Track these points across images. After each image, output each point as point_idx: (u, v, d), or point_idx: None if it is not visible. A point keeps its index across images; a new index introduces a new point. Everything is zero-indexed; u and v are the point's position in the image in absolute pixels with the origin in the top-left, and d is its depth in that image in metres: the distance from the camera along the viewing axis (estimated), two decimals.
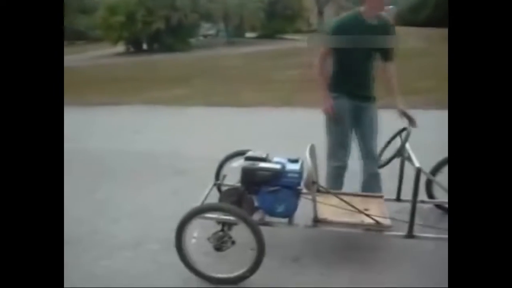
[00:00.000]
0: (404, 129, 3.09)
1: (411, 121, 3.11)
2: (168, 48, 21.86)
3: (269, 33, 28.26)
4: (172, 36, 22.39)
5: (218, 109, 8.28)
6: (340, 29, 3.09)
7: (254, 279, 2.78)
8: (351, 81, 3.23)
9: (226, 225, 2.82)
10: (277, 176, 2.88)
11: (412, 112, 3.16)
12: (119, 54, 22.93)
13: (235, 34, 26.92)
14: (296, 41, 22.40)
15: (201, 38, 25.46)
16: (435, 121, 6.61)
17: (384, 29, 3.11)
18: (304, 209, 2.97)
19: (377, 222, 2.92)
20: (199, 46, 23.26)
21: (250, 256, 2.68)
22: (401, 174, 3.25)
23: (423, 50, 15.34)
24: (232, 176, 3.29)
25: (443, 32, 14.31)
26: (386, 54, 3.22)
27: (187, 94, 9.85)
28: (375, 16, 3.07)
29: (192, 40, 24.01)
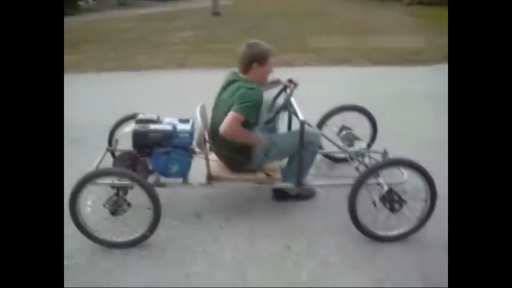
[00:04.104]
0: (286, 87, 3.27)
1: (293, 82, 3.28)
2: None
3: None
4: None
5: (110, 75, 7.98)
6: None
7: (158, 238, 2.87)
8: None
9: (121, 190, 2.83)
10: (169, 137, 2.91)
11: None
12: None
13: None
14: (191, 2, 21.94)
15: (91, 0, 23.89)
16: (326, 76, 7.04)
17: None
18: (200, 168, 3.06)
19: (268, 175, 3.11)
20: (88, 9, 21.85)
21: (148, 216, 2.74)
22: (289, 127, 3.45)
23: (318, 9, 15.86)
24: (126, 141, 3.28)
25: None
26: None
27: (78, 60, 9.32)
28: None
29: (81, 3, 22.49)
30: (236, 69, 3.06)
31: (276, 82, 3.34)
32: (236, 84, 2.93)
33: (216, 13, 15.96)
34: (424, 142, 4.20)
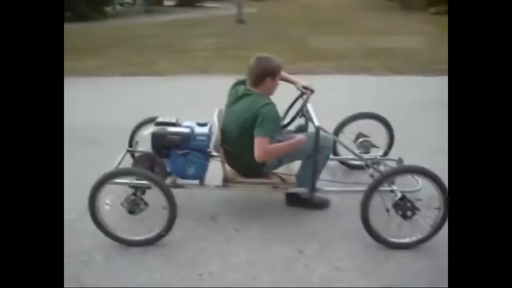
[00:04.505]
0: (303, 93, 3.31)
1: (310, 88, 3.32)
2: (83, 17, 20.78)
3: (189, 0, 27.62)
4: (86, 5, 21.24)
5: (134, 79, 8.17)
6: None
7: (174, 238, 2.95)
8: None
9: (138, 189, 2.91)
10: (186, 139, 2.99)
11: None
12: None
13: (153, 2, 26.05)
14: (216, 9, 22.17)
15: (118, 6, 24.34)
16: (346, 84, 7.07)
17: None
18: (217, 171, 3.12)
19: (283, 179, 3.16)
20: (115, 15, 22.29)
21: (164, 216, 2.82)
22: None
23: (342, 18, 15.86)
24: (146, 144, 3.36)
25: None
26: None
27: (102, 65, 9.56)
28: None
29: (108, 9, 22.94)
30: (241, 79, 3.12)
31: (292, 82, 3.38)
32: (249, 99, 2.96)
33: (240, 21, 16.13)
34: (442, 151, 4.18)
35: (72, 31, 17.07)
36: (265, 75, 2.93)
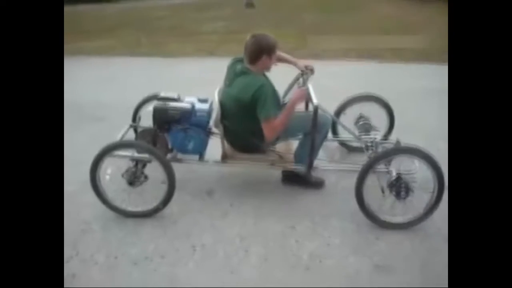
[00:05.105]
0: (303, 73, 3.34)
1: (310, 68, 3.35)
2: None
3: None
4: None
5: (142, 60, 8.24)
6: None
7: (170, 211, 3.02)
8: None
9: (139, 162, 2.97)
10: (187, 114, 3.04)
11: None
12: None
13: None
14: None
15: None
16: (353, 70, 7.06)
17: None
18: (217, 148, 3.18)
19: (280, 157, 3.20)
20: None
21: (163, 190, 2.88)
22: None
23: (352, 5, 15.72)
24: (150, 120, 3.40)
25: None
26: None
27: (112, 45, 9.64)
28: None
29: None
30: (239, 57, 3.13)
31: (293, 63, 3.41)
32: (246, 78, 2.97)
33: (249, 5, 16.04)
34: (443, 137, 4.18)
35: (83, 12, 17.17)
36: (261, 52, 2.94)
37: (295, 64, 3.40)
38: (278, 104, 3.09)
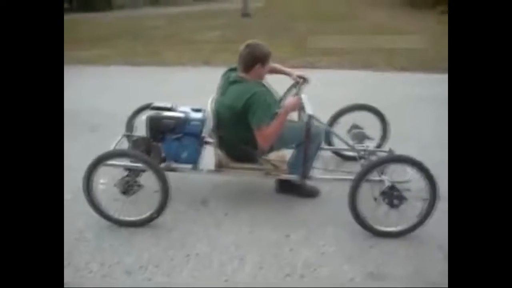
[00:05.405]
0: (297, 82, 3.36)
1: (304, 78, 3.38)
2: (89, 7, 20.87)
3: None
4: None
5: (138, 69, 8.26)
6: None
7: (164, 220, 3.02)
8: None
9: (133, 172, 2.97)
10: (181, 124, 3.04)
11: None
12: None
13: None
14: (223, 2, 22.14)
15: None
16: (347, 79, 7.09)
17: None
18: (211, 157, 3.19)
19: (275, 166, 3.21)
20: (122, 5, 22.38)
21: (156, 199, 2.88)
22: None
23: (347, 13, 15.82)
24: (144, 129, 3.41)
25: None
26: None
27: (108, 54, 9.65)
28: None
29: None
30: (233, 67, 3.15)
31: (287, 74, 3.43)
32: (240, 86, 2.99)
33: (245, 15, 16.13)
34: (438, 145, 4.21)
35: (78, 21, 17.20)
36: (254, 61, 2.96)
37: (289, 75, 3.43)
38: (273, 115, 3.10)
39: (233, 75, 3.07)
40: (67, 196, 3.30)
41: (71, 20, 17.62)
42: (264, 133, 2.91)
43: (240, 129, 2.97)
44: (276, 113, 3.04)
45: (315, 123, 3.07)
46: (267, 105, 2.95)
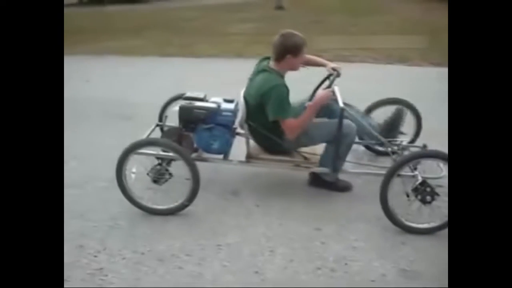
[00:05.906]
0: (330, 74, 3.31)
1: (337, 70, 3.32)
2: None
3: None
4: None
5: (170, 60, 8.35)
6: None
7: (195, 209, 3.04)
8: None
9: (164, 161, 3.01)
10: (212, 114, 3.06)
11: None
12: (72, 5, 22.04)
13: None
14: None
15: None
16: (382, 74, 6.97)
17: None
18: (242, 148, 3.22)
19: (306, 158, 3.19)
20: None
21: (187, 187, 2.91)
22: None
23: (380, 7, 15.56)
24: (176, 119, 3.44)
25: None
26: None
27: (141, 45, 9.78)
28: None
29: None
30: (267, 56, 3.14)
31: (322, 65, 3.40)
32: (264, 76, 2.98)
33: (279, 7, 16.04)
34: None
35: (113, 12, 17.48)
36: (286, 51, 2.93)
37: (324, 65, 3.38)
38: (295, 109, 3.07)
39: (264, 63, 3.06)
40: (102, 184, 3.39)
41: (105, 11, 17.96)
42: (289, 125, 2.92)
43: (264, 118, 2.97)
44: (305, 107, 3.01)
45: (347, 122, 3.03)
46: (281, 99, 2.91)
